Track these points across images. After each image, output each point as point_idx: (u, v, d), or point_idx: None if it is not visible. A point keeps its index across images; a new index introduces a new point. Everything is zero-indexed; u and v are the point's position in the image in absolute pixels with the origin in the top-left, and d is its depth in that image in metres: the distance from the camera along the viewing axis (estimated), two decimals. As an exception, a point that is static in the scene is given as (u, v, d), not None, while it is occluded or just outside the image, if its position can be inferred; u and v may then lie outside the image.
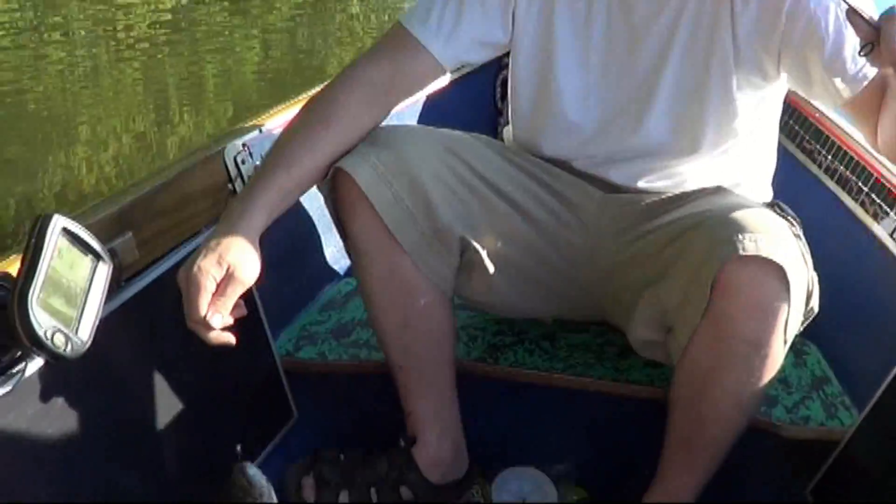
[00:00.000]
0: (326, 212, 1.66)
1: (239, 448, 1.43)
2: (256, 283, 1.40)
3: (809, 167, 2.31)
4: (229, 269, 1.33)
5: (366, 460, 1.73)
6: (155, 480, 1.55)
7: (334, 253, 2.24)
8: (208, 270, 1.31)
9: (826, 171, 2.22)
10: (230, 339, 1.35)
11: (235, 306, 1.35)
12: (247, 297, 1.40)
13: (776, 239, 1.39)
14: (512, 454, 1.79)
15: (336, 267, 2.27)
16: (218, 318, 1.32)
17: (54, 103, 7.62)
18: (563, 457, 1.79)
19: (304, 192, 1.57)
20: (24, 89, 7.71)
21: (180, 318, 1.34)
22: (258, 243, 1.40)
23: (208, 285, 1.31)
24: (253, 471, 1.37)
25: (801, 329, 1.51)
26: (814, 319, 1.56)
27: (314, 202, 2.01)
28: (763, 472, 1.76)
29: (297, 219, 2.10)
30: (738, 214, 1.43)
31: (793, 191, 1.78)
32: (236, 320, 1.36)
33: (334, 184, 1.57)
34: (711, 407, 1.47)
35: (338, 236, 1.69)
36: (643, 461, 1.62)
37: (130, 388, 1.51)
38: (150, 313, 1.51)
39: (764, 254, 1.33)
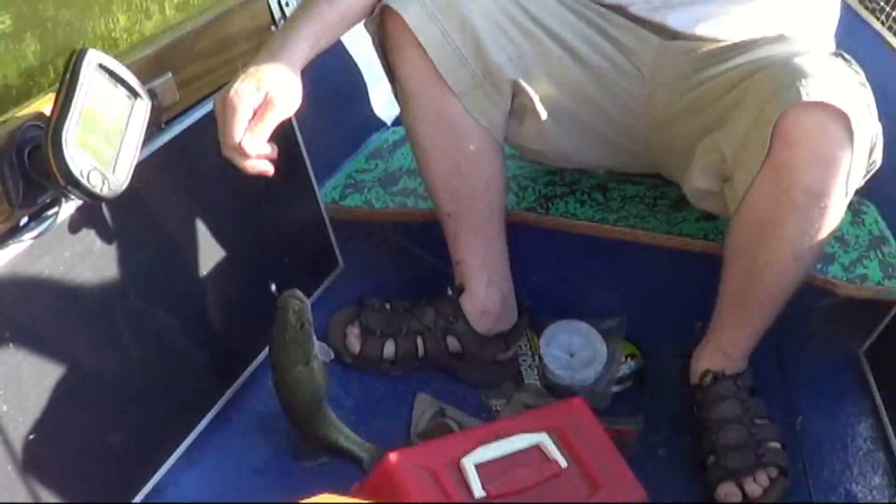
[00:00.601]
0: (375, 59, 1.62)
1: (273, 288, 1.42)
2: (296, 115, 1.36)
3: (872, 23, 2.23)
4: (267, 95, 1.29)
5: (412, 310, 1.72)
6: (197, 325, 1.56)
7: (381, 101, 2.21)
8: (245, 95, 1.28)
9: (889, 28, 2.16)
10: (268, 167, 1.31)
11: (272, 139, 1.31)
12: (288, 134, 1.36)
13: (841, 86, 1.33)
14: (561, 307, 1.78)
15: (383, 116, 2.24)
16: (253, 144, 1.28)
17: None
18: (613, 310, 1.78)
19: (347, 27, 1.51)
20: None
21: (224, 162, 1.31)
22: (300, 75, 1.35)
23: (244, 109, 1.27)
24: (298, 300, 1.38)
25: (863, 183, 1.45)
26: (872, 177, 1.50)
27: (362, 49, 1.98)
28: (817, 331, 1.74)
29: (343, 65, 2.08)
30: (802, 60, 1.36)
31: (854, 47, 1.72)
32: (279, 166, 1.33)
33: (381, 23, 1.52)
34: (768, 258, 1.43)
35: (387, 82, 1.65)
36: (695, 316, 1.61)
37: (171, 233, 1.50)
38: (191, 156, 1.49)
39: (829, 100, 1.27)
